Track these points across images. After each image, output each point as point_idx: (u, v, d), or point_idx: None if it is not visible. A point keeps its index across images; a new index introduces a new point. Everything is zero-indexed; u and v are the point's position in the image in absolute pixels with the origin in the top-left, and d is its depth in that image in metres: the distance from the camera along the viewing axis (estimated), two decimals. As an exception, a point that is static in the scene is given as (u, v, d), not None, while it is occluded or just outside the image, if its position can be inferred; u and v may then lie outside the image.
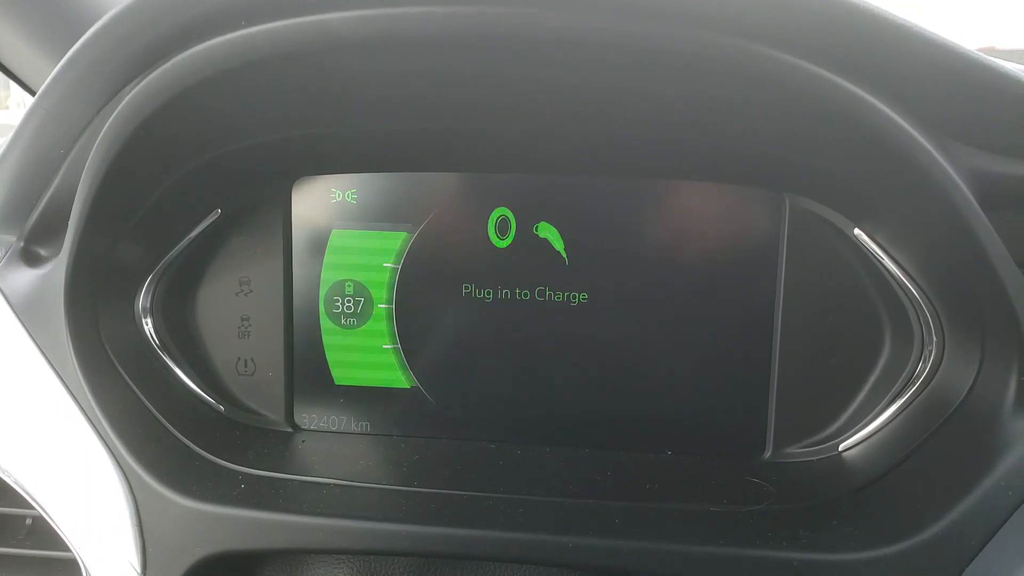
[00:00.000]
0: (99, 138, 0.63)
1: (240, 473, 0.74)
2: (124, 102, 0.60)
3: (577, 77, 0.59)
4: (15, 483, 0.73)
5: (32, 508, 0.73)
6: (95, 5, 0.96)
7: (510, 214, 0.81)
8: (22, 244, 0.75)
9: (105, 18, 0.58)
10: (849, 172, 0.67)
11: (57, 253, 0.72)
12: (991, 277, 0.60)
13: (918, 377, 0.73)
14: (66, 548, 0.73)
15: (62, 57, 0.64)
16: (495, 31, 0.52)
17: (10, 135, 0.71)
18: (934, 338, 0.72)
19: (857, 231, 0.74)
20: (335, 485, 0.73)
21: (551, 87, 0.62)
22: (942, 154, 0.57)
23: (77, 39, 0.63)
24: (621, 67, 0.56)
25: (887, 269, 0.73)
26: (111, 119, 0.61)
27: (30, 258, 0.75)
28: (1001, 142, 0.59)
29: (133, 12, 0.57)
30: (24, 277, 0.73)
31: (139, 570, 0.70)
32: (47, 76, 0.70)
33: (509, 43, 0.53)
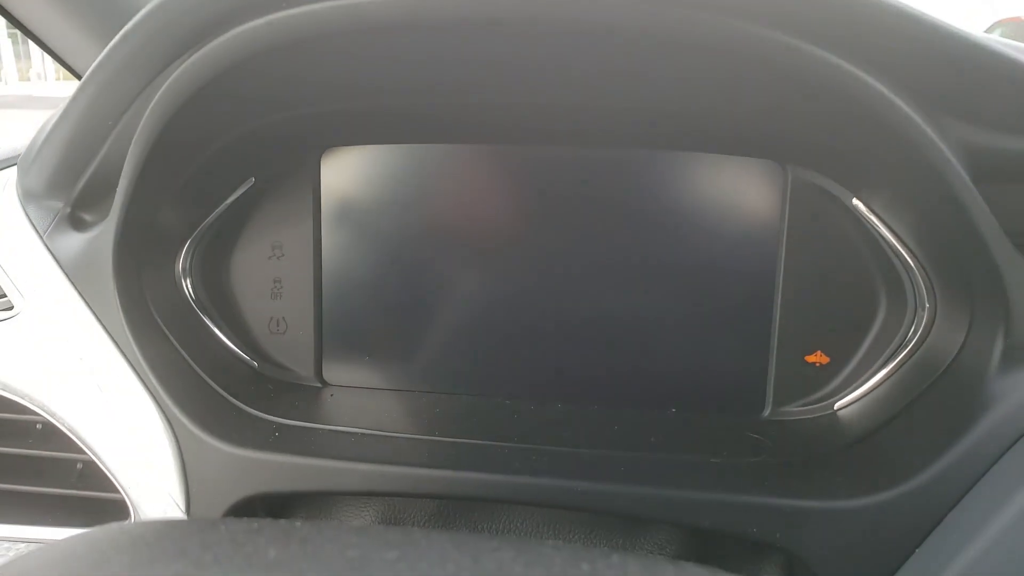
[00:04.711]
0: (147, 112, 0.67)
1: (273, 423, 0.80)
2: (171, 79, 0.64)
3: (585, 57, 0.63)
4: (68, 430, 0.79)
5: (83, 453, 0.80)
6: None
7: (525, 184, 0.84)
8: (69, 210, 0.80)
9: (156, 1, 0.63)
10: (846, 145, 0.70)
11: (102, 218, 0.77)
12: (980, 247, 0.62)
13: (910, 340, 0.77)
14: (115, 490, 0.79)
15: (105, 40, 0.69)
16: (509, 16, 0.57)
17: (60, 109, 0.75)
18: (926, 304, 0.75)
19: (855, 201, 0.77)
20: (362, 434, 0.79)
21: (559, 66, 0.66)
22: (932, 128, 0.59)
23: (122, 24, 0.67)
24: (627, 49, 0.60)
25: (883, 237, 0.76)
26: (159, 95, 0.65)
27: (77, 223, 0.80)
28: (991, 116, 0.61)
29: None
30: (72, 241, 0.78)
31: (183, 509, 0.76)
32: (88, 57, 0.73)
33: (521, 28, 0.58)
